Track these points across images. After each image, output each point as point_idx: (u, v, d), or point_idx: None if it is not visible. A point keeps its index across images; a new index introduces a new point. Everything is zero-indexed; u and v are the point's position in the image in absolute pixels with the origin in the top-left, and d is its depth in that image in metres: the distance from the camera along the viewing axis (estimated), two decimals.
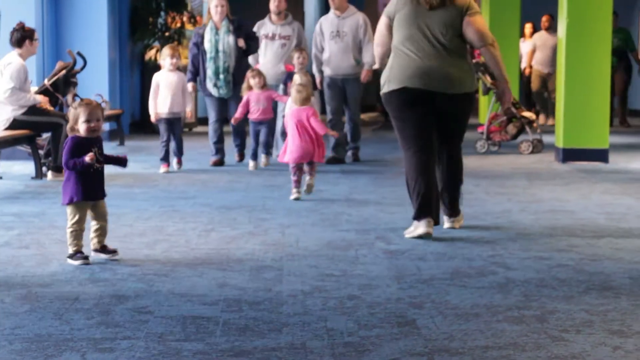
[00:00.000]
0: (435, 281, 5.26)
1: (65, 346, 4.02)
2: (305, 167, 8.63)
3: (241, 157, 11.27)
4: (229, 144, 11.31)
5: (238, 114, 10.52)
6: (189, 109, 10.63)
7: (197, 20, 16.90)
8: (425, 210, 6.53)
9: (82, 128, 5.69)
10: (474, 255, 5.97)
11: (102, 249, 5.81)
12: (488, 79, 12.78)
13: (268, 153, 10.86)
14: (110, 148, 10.32)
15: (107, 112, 12.70)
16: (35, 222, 7.14)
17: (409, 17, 6.71)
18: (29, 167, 10.40)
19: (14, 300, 4.81)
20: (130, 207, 7.87)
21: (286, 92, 10.51)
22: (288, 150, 8.53)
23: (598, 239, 6.56)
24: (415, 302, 4.78)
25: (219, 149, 11.12)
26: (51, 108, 10.17)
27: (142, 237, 6.61)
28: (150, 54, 16.23)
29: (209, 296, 4.91)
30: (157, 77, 10.57)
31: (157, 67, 11.14)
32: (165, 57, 10.59)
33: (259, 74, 10.56)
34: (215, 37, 10.90)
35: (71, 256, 5.71)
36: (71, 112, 5.79)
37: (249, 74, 10.59)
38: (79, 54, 11.45)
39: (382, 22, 6.87)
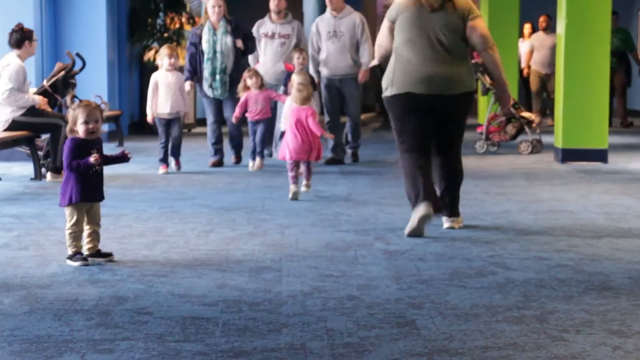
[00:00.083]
0: (434, 281, 5.26)
1: (64, 347, 4.02)
2: (303, 169, 8.66)
3: (238, 159, 11.22)
4: (228, 144, 11.29)
5: (237, 113, 10.49)
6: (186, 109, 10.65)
7: (196, 21, 16.86)
8: (423, 195, 6.59)
9: (80, 129, 5.69)
10: (474, 256, 5.97)
11: (97, 253, 5.80)
12: (487, 80, 12.77)
13: (263, 155, 10.77)
14: (109, 149, 10.28)
15: (106, 113, 12.69)
16: (34, 224, 7.13)
17: (411, 20, 6.78)
18: (28, 168, 10.39)
19: (14, 302, 4.81)
20: (129, 208, 7.86)
21: (286, 93, 10.49)
22: (286, 147, 8.60)
23: (597, 239, 6.56)
24: (414, 303, 4.78)
25: (218, 150, 11.11)
26: (49, 109, 10.17)
27: (141, 238, 6.60)
28: (149, 55, 16.21)
29: (208, 297, 4.90)
30: (155, 77, 10.56)
31: (156, 68, 11.13)
32: (163, 57, 10.58)
33: (256, 74, 10.54)
34: (213, 37, 10.88)
35: (70, 257, 5.70)
36: (70, 114, 5.79)
37: (246, 74, 10.55)
38: (78, 55, 11.44)
39: (385, 25, 6.98)
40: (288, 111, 8.83)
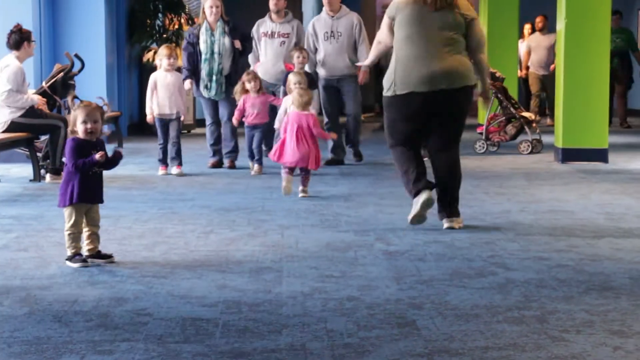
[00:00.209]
0: (434, 282, 5.25)
1: (64, 349, 4.01)
2: (300, 176, 8.64)
3: (232, 163, 11.01)
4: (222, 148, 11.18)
5: (236, 116, 10.43)
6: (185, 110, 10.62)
7: (195, 21, 16.87)
8: (423, 185, 6.84)
9: (79, 129, 5.69)
10: (474, 256, 5.96)
11: (97, 254, 5.79)
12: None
13: (262, 162, 10.56)
14: (108, 150, 10.21)
15: (107, 114, 12.67)
16: (33, 225, 7.13)
17: (411, 17, 6.86)
18: (27, 169, 10.39)
19: (13, 303, 4.80)
20: (129, 210, 7.85)
21: (286, 94, 10.45)
22: (285, 152, 8.55)
23: (598, 239, 6.56)
24: (414, 303, 4.77)
25: (217, 151, 11.09)
26: (47, 110, 10.16)
27: (141, 239, 6.60)
28: (148, 56, 16.21)
29: (208, 298, 4.90)
30: (154, 77, 10.53)
31: (155, 69, 11.11)
32: (162, 57, 10.56)
33: (255, 78, 10.46)
34: (211, 38, 10.85)
35: (70, 259, 5.70)
36: (71, 115, 5.80)
37: (244, 77, 10.45)
38: (77, 56, 11.44)
39: (385, 22, 7.07)
40: (289, 115, 8.77)
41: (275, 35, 11.53)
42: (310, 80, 10.42)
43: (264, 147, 10.70)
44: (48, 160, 9.92)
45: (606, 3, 11.28)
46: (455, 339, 4.15)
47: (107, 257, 5.79)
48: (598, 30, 11.23)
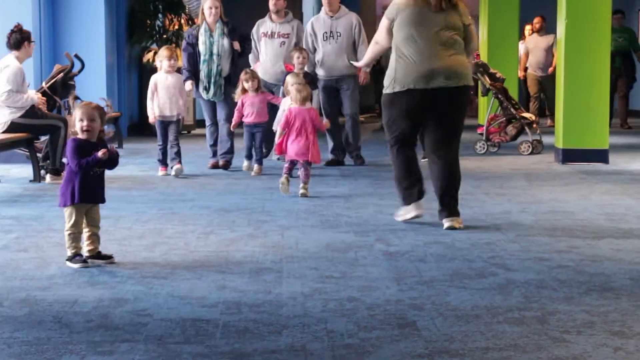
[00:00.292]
0: (435, 282, 5.24)
1: (64, 349, 4.01)
2: (300, 172, 8.66)
3: (226, 163, 10.97)
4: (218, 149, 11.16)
5: (235, 118, 10.43)
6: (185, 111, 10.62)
7: (195, 22, 16.87)
8: (414, 194, 7.04)
9: (77, 127, 5.69)
10: (474, 257, 5.96)
11: (97, 255, 5.79)
12: (487, 80, 12.78)
13: (262, 162, 10.57)
14: None
15: (109, 114, 12.66)
16: (33, 225, 7.12)
17: (412, 18, 6.98)
18: (27, 170, 10.39)
19: (13, 304, 4.79)
20: (129, 210, 7.85)
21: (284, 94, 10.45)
22: (287, 146, 8.68)
23: (598, 239, 6.55)
24: (415, 304, 4.77)
25: (217, 152, 11.09)
26: (47, 110, 10.16)
27: (141, 239, 6.59)
28: (148, 57, 16.22)
29: (208, 299, 4.89)
30: (154, 79, 10.53)
31: (155, 70, 11.10)
32: (162, 59, 10.55)
33: (253, 77, 10.46)
34: (210, 39, 10.83)
35: (70, 259, 5.69)
36: (73, 115, 5.81)
37: (242, 76, 10.43)
38: (77, 56, 11.44)
39: (383, 23, 7.14)
40: (289, 112, 8.79)
41: (275, 36, 11.53)
42: (311, 80, 10.44)
43: (264, 148, 10.71)
44: (48, 161, 9.91)
45: (606, 3, 11.28)
46: (456, 339, 4.14)
47: (107, 257, 5.78)
48: (598, 30, 11.23)
